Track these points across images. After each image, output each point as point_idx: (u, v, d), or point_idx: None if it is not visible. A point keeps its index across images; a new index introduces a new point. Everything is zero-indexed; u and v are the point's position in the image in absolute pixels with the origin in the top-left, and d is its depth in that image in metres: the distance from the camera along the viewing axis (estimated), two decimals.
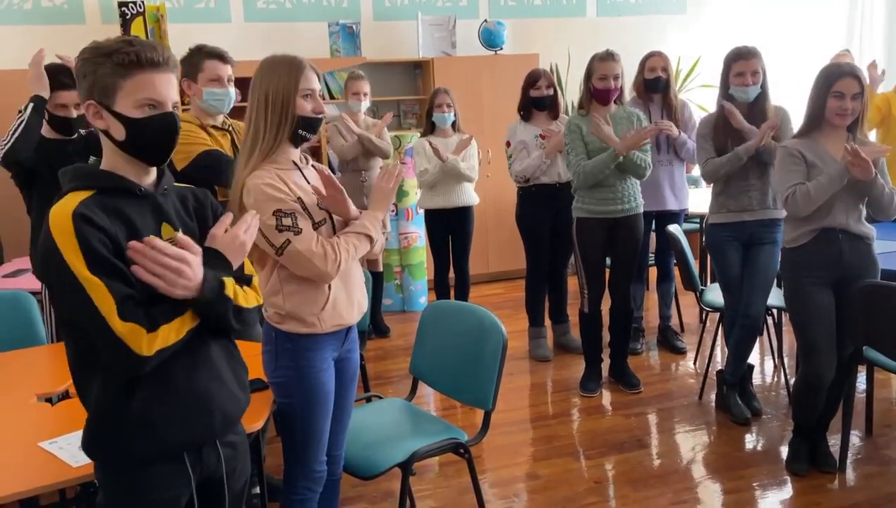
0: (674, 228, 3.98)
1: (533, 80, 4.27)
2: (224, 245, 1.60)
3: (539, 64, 5.62)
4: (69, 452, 1.91)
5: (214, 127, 2.89)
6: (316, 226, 2.05)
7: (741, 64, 3.29)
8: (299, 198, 2.03)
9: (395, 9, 6.14)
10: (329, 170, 2.11)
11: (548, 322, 4.64)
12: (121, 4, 5.02)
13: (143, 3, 5.02)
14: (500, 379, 2.48)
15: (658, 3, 6.78)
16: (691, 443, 3.41)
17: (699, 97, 6.28)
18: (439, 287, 4.71)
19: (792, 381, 3.54)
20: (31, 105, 2.97)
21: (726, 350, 3.71)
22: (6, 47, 5.24)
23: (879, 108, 4.92)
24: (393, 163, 2.21)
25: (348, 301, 2.15)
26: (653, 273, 4.72)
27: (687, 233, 4.19)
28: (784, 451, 3.21)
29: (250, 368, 1.81)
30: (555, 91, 4.29)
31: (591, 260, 3.84)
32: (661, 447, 3.40)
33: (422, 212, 4.76)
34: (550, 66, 6.05)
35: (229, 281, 1.57)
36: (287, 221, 1.97)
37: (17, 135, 2.93)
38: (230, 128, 2.95)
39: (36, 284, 3.25)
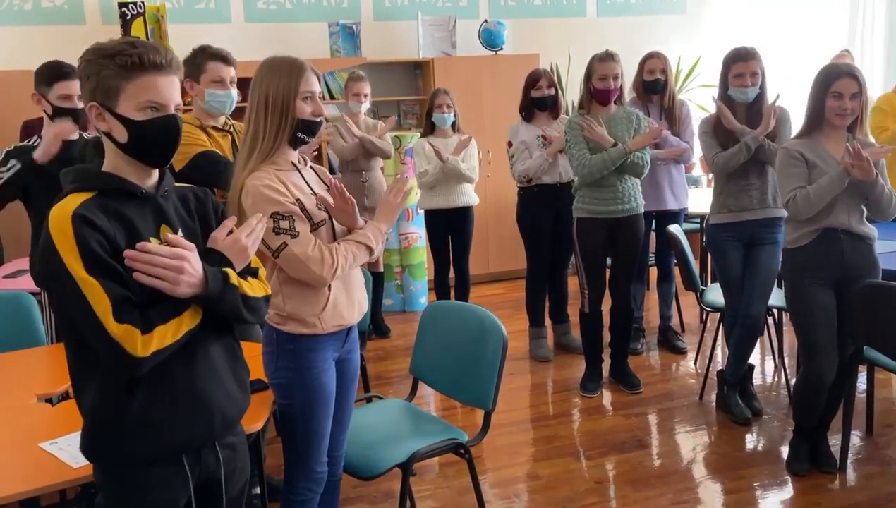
0: (674, 228, 3.99)
1: (534, 80, 4.27)
2: (226, 247, 1.60)
3: (539, 64, 5.61)
4: (69, 453, 1.91)
5: (215, 128, 2.89)
6: (315, 227, 2.05)
7: (740, 65, 3.29)
8: (298, 200, 2.03)
9: (395, 9, 6.14)
10: (336, 180, 2.10)
11: (548, 322, 4.64)
12: (121, 5, 5.02)
13: (143, 3, 5.02)
14: (500, 379, 2.48)
15: (658, 3, 6.78)
16: (692, 443, 3.41)
17: (699, 97, 6.28)
18: (439, 287, 4.72)
19: (792, 381, 3.55)
20: (19, 165, 2.86)
21: (727, 350, 3.71)
22: (6, 48, 5.25)
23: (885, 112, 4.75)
24: (402, 178, 2.20)
25: (349, 301, 2.15)
26: (653, 273, 4.72)
27: (687, 232, 4.19)
28: (785, 451, 3.21)
29: (251, 368, 1.80)
30: (556, 91, 4.29)
31: (592, 260, 3.84)
32: (661, 447, 3.40)
33: (422, 212, 4.76)
34: (551, 66, 6.04)
35: (232, 271, 1.57)
36: (284, 224, 1.97)
37: None
38: (231, 130, 2.95)
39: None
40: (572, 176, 4.13)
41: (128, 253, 1.44)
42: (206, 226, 1.67)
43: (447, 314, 2.81)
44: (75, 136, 2.96)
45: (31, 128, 4.23)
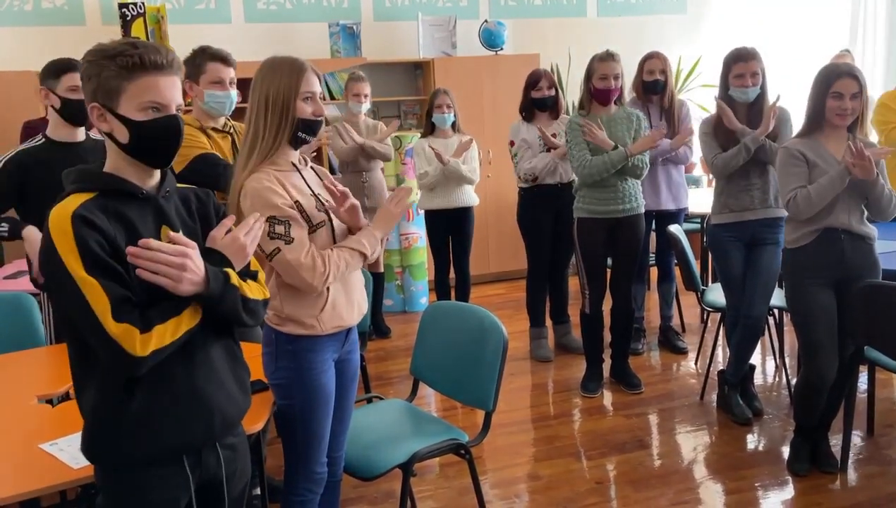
0: (675, 228, 3.98)
1: (534, 80, 4.26)
2: (224, 246, 1.60)
3: (539, 64, 5.61)
4: (69, 454, 1.91)
5: (215, 129, 2.89)
6: (314, 229, 2.05)
7: (741, 65, 3.29)
8: (297, 202, 2.03)
9: (395, 9, 6.13)
10: (342, 186, 2.11)
11: (549, 322, 4.64)
12: (121, 6, 5.02)
13: (143, 4, 5.02)
14: (500, 379, 2.48)
15: (658, 3, 6.77)
16: (692, 444, 3.41)
17: (700, 97, 6.28)
18: (440, 287, 4.71)
19: (793, 381, 3.54)
20: (8, 228, 2.87)
21: (727, 350, 3.71)
22: (7, 48, 5.25)
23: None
24: (406, 189, 2.20)
25: (348, 302, 2.15)
26: (654, 273, 4.72)
27: (688, 233, 4.19)
28: (785, 451, 3.21)
29: (251, 369, 1.80)
30: (556, 91, 4.29)
31: (592, 260, 3.84)
32: (662, 447, 3.39)
33: (422, 212, 4.76)
34: (551, 66, 6.04)
35: (233, 272, 1.58)
36: (280, 229, 1.97)
37: None
38: (231, 131, 2.94)
39: None
40: (573, 176, 4.13)
41: (130, 249, 1.44)
42: (207, 227, 1.67)
43: (448, 314, 2.81)
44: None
45: (32, 129, 4.22)
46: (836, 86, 2.78)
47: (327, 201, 2.12)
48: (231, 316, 1.59)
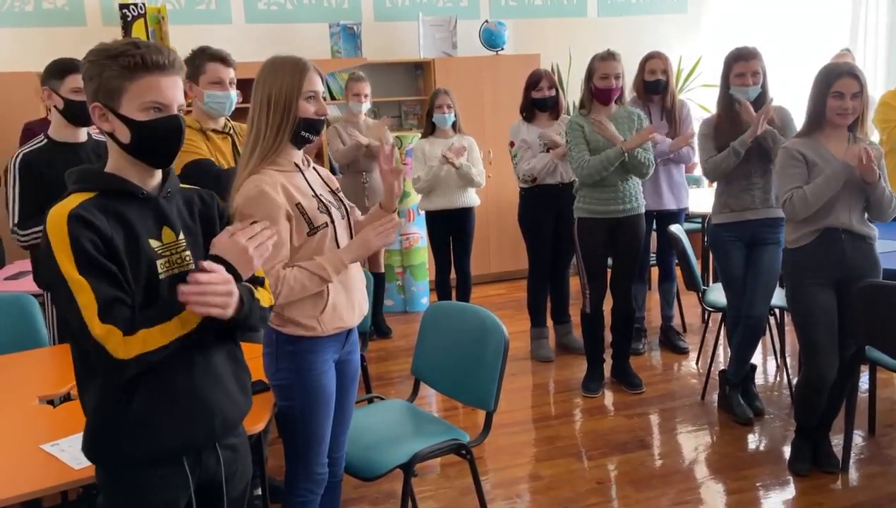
0: (675, 228, 3.98)
1: (534, 81, 4.26)
2: (226, 250, 1.57)
3: (540, 64, 5.61)
4: (71, 454, 1.91)
5: (215, 130, 2.88)
6: (315, 231, 2.04)
7: (741, 65, 3.29)
8: (298, 204, 2.02)
9: (395, 9, 6.13)
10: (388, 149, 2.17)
11: (549, 322, 4.64)
12: (122, 6, 5.02)
13: (144, 4, 5.02)
14: (501, 379, 2.48)
15: (659, 3, 6.77)
16: (694, 443, 3.41)
17: (700, 97, 6.27)
18: (441, 287, 4.71)
19: (794, 381, 3.54)
20: (18, 167, 2.87)
21: (728, 350, 3.71)
22: (7, 49, 5.25)
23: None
24: (395, 222, 2.18)
25: (348, 303, 2.15)
26: (655, 273, 4.72)
27: (689, 232, 4.19)
28: (787, 451, 3.20)
29: (251, 370, 1.80)
30: (557, 91, 4.28)
31: (593, 260, 3.84)
32: (663, 447, 3.39)
33: (423, 213, 4.76)
34: (551, 66, 6.04)
35: (250, 286, 1.59)
36: None
37: (17, 204, 2.86)
38: (231, 132, 2.94)
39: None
40: (573, 176, 4.12)
41: (183, 288, 1.42)
42: (210, 230, 1.67)
43: (448, 314, 2.81)
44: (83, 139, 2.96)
45: (32, 130, 4.21)
46: (837, 85, 2.78)
47: (329, 202, 2.12)
48: (248, 325, 1.59)
